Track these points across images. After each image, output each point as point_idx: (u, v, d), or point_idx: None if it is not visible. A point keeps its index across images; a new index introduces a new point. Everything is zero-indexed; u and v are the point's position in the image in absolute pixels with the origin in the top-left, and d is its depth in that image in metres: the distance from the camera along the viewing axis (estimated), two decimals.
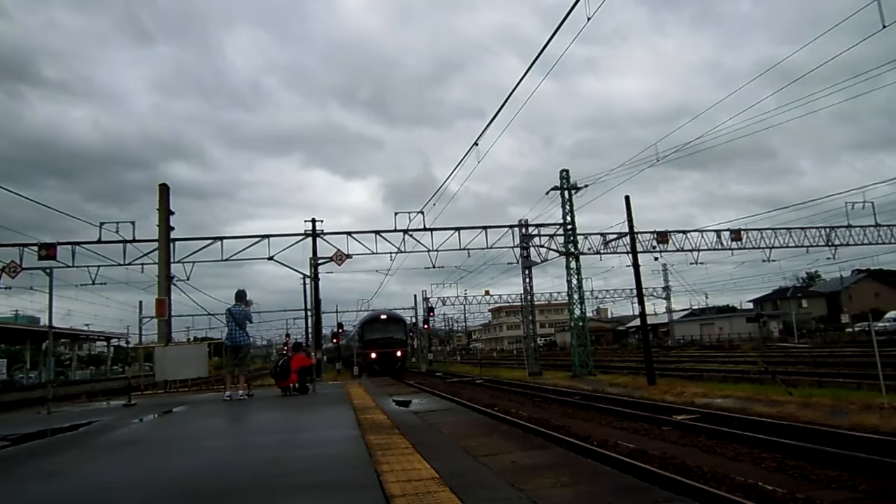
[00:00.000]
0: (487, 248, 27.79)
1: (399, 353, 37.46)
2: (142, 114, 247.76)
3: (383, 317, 40.55)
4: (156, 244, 21.90)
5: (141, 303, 19.41)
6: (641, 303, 21.15)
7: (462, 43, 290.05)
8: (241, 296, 13.05)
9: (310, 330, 30.93)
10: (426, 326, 54.31)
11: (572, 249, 27.63)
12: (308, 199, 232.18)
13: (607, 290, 74.96)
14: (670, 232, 30.08)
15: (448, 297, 64.78)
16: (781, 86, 28.04)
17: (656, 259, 33.08)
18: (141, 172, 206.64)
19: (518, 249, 28.66)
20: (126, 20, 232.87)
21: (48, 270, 15.22)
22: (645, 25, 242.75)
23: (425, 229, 26.49)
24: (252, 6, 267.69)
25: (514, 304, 65.72)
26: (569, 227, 27.41)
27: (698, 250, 30.52)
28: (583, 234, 28.98)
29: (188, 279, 24.66)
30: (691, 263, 31.98)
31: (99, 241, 24.05)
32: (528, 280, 29.82)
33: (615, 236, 29.08)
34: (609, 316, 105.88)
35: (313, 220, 26.37)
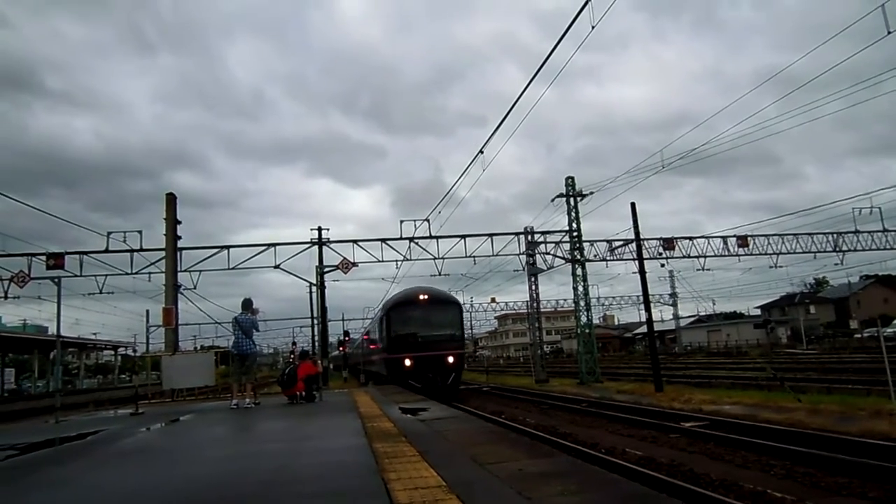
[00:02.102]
0: (493, 255, 27.73)
1: (452, 359, 22.61)
2: (145, 124, 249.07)
3: (423, 296, 23.78)
4: (163, 253, 22.00)
5: (148, 311, 19.48)
6: (648, 309, 21.09)
7: (461, 51, 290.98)
8: (247, 304, 13.10)
9: (316, 338, 30.95)
10: None
11: (578, 256, 27.59)
12: (312, 207, 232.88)
13: (613, 297, 74.93)
14: (677, 238, 30.02)
15: None
16: (783, 93, 28.16)
17: (663, 266, 32.96)
18: (145, 182, 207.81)
19: (524, 257, 28.66)
20: (128, 31, 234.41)
21: (56, 280, 15.30)
22: (645, 32, 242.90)
23: (431, 237, 26.50)
24: (252, 16, 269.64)
25: (521, 311, 65.59)
26: (575, 234, 27.40)
27: (705, 256, 30.41)
28: (588, 241, 28.95)
29: (195, 288, 24.72)
30: (698, 270, 31.80)
31: (106, 251, 24.18)
32: (534, 287, 29.79)
33: (621, 243, 29.01)
34: (616, 323, 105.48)
35: (319, 229, 26.44)
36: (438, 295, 24.71)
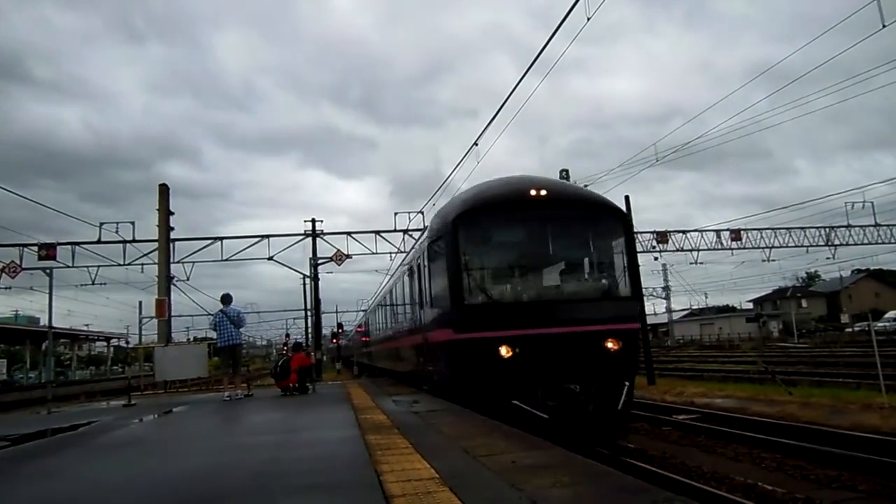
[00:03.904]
0: None
1: (614, 345, 8.45)
2: (135, 114, 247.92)
3: (539, 192, 8.84)
4: (155, 244, 21.91)
5: (141, 303, 19.47)
6: (641, 303, 21.12)
7: (451, 43, 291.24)
8: (227, 298, 13.06)
9: (310, 330, 30.91)
10: None
11: None
12: (304, 198, 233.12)
13: None
14: (670, 232, 30.10)
15: None
16: (775, 88, 28.20)
17: (656, 259, 33.09)
18: (136, 172, 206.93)
19: None
20: (117, 19, 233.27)
21: (48, 270, 15.24)
22: (636, 24, 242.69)
23: (425, 229, 26.42)
24: (241, 6, 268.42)
25: None
26: None
27: (698, 250, 30.58)
28: None
29: (188, 279, 24.67)
30: (691, 263, 32.10)
31: (99, 242, 24.05)
32: None
33: None
34: None
35: (313, 221, 26.37)
36: (574, 193, 11.09)
